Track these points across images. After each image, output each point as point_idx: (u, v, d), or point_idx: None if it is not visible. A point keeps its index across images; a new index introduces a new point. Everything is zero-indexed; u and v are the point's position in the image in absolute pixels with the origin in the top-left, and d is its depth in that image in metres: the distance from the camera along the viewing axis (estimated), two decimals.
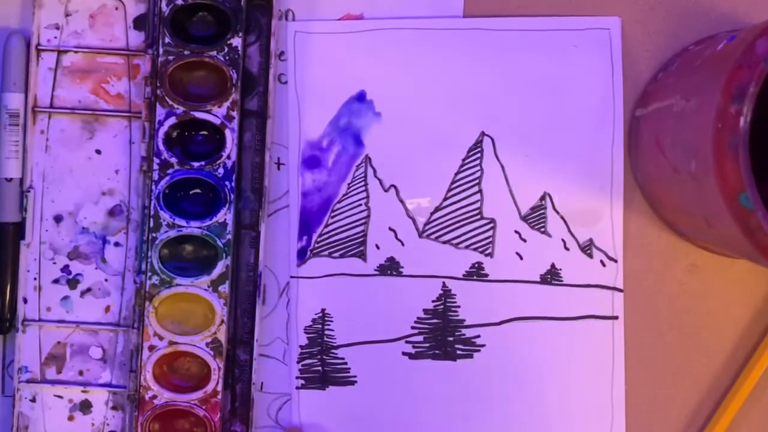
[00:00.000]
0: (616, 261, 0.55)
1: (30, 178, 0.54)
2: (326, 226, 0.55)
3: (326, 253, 0.55)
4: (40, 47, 0.54)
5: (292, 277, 0.55)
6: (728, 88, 0.41)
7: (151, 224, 0.53)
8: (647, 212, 0.55)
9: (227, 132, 0.53)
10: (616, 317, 0.56)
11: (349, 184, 0.55)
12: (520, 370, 0.55)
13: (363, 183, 0.55)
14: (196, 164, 0.53)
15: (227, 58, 0.53)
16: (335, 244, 0.55)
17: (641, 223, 0.55)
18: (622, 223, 0.55)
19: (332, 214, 0.55)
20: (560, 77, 0.55)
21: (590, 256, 0.55)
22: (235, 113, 0.53)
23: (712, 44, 0.48)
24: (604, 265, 0.55)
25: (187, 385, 0.54)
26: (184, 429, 0.54)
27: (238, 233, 0.54)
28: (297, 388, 0.56)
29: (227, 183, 0.53)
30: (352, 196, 0.55)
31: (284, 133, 0.55)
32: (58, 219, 0.55)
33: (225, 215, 0.53)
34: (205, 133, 0.54)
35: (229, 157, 0.53)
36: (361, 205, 0.55)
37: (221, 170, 0.53)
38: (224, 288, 0.53)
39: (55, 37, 0.54)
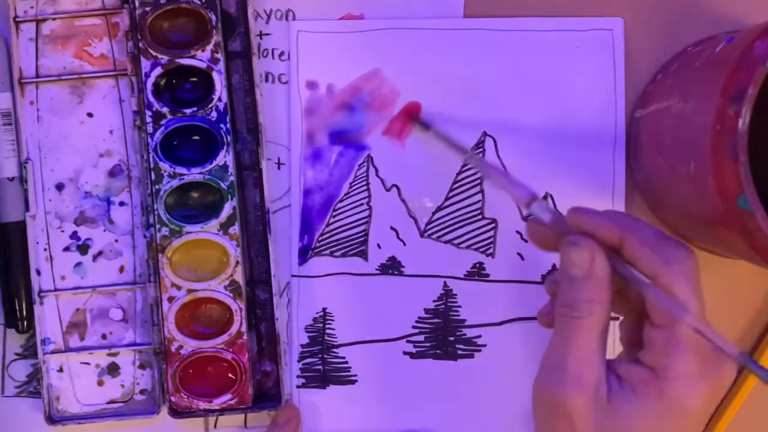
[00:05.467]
0: None
1: (26, 150, 0.54)
2: (328, 225, 0.55)
3: (328, 252, 0.55)
4: (17, 19, 0.54)
5: (293, 276, 0.55)
6: (727, 90, 0.41)
7: (153, 177, 0.53)
8: (647, 213, 0.55)
9: (214, 74, 0.53)
10: (617, 318, 0.55)
11: (350, 183, 0.55)
12: (521, 370, 0.55)
13: (365, 182, 0.55)
14: (188, 111, 0.53)
15: (203, 1, 0.53)
16: (337, 243, 0.55)
17: None
18: None
19: (334, 214, 0.55)
20: (562, 78, 0.55)
21: None
22: (219, 55, 0.53)
23: (711, 45, 0.48)
24: None
25: (211, 331, 0.53)
26: (214, 376, 0.54)
27: (241, 175, 0.54)
28: (297, 387, 0.55)
29: (222, 125, 0.53)
30: (353, 195, 0.55)
31: (286, 132, 0.55)
32: (59, 187, 0.55)
33: (224, 157, 0.53)
34: (193, 80, 0.54)
35: (219, 99, 0.53)
36: (362, 204, 0.55)
37: (214, 113, 0.53)
38: (234, 230, 0.53)
39: (32, 7, 0.54)
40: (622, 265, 0.42)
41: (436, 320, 0.55)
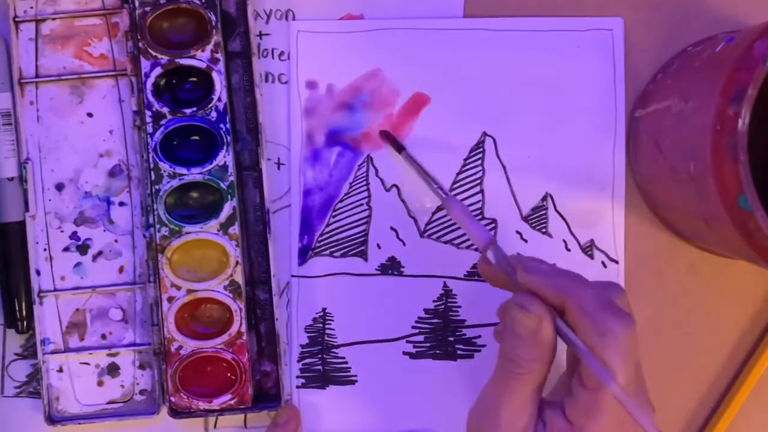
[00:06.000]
0: (617, 262, 0.55)
1: (25, 150, 0.54)
2: (327, 225, 0.55)
3: (327, 252, 0.55)
4: (17, 19, 0.54)
5: (293, 276, 0.55)
6: (726, 90, 0.41)
7: (153, 177, 0.53)
8: (647, 213, 0.55)
9: (214, 75, 0.53)
10: None
11: (350, 183, 0.55)
12: None
13: (364, 182, 0.55)
14: (188, 111, 0.53)
15: (203, 1, 0.52)
16: (336, 243, 0.55)
17: (641, 224, 0.55)
18: (624, 224, 0.55)
19: (333, 214, 0.55)
20: (562, 77, 0.55)
21: (591, 257, 0.55)
22: (219, 55, 0.53)
23: (711, 45, 0.48)
24: (605, 266, 0.55)
25: (211, 331, 0.53)
26: (214, 376, 0.53)
27: (240, 175, 0.54)
28: (297, 387, 0.55)
29: (222, 125, 0.53)
30: (353, 195, 0.55)
31: (285, 132, 0.55)
32: (59, 187, 0.55)
33: (224, 158, 0.53)
34: (193, 80, 0.54)
35: (219, 99, 0.53)
36: (362, 204, 0.55)
37: (214, 113, 0.53)
38: (234, 230, 0.53)
39: (31, 7, 0.54)
40: (563, 326, 0.43)
41: (435, 320, 0.55)
